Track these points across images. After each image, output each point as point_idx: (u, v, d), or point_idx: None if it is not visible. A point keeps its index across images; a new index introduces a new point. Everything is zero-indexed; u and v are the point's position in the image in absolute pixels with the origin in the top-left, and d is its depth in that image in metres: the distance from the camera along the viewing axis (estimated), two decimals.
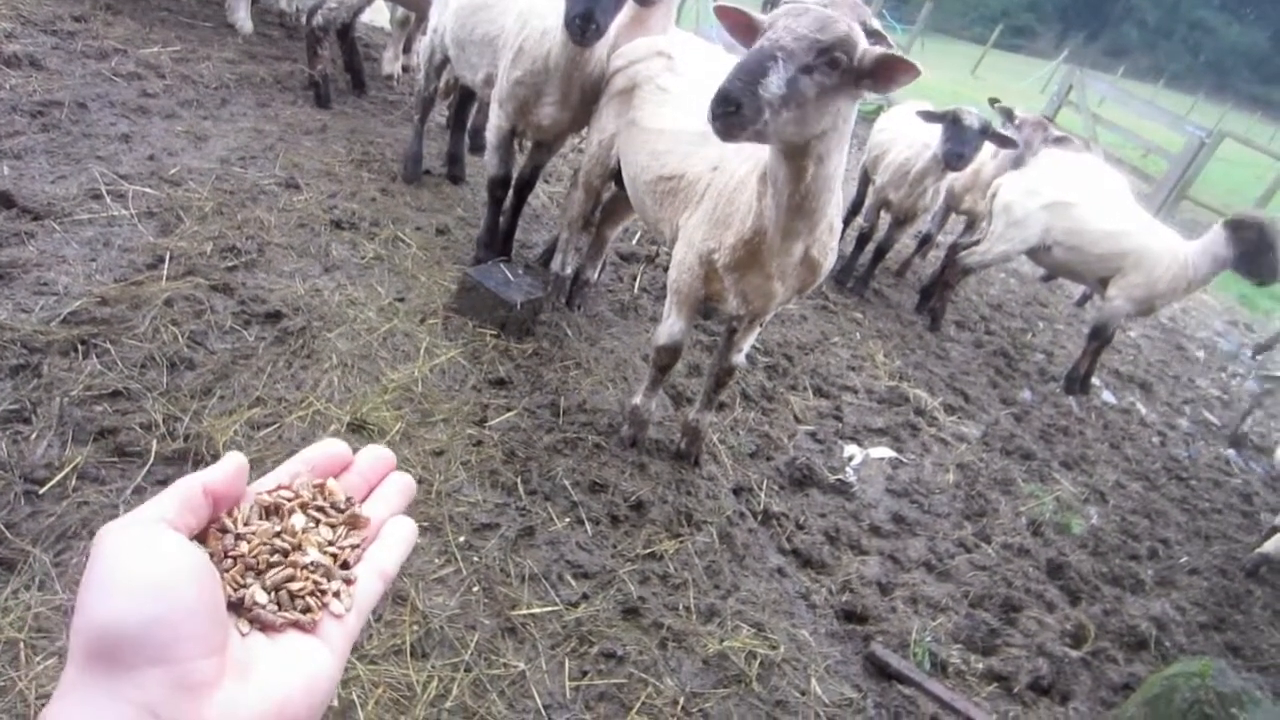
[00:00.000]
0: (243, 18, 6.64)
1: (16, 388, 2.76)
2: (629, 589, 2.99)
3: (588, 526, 3.20)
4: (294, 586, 0.72)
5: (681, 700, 2.68)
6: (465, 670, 2.52)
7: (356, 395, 3.35)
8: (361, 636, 2.48)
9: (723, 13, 2.57)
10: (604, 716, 2.57)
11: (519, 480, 3.27)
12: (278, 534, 0.74)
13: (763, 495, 3.81)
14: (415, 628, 2.58)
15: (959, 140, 5.45)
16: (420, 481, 3.09)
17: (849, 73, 2.35)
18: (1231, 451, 6.73)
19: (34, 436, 2.64)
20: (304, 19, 5.92)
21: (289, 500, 0.78)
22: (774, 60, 2.25)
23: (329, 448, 0.85)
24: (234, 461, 0.74)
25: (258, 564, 0.71)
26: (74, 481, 2.55)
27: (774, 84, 2.24)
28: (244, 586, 0.69)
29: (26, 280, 3.20)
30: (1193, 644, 4.02)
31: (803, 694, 2.89)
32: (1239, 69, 72.24)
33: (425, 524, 2.94)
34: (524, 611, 2.77)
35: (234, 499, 0.74)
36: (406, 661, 2.48)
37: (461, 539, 2.94)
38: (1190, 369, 8.52)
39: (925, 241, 7.80)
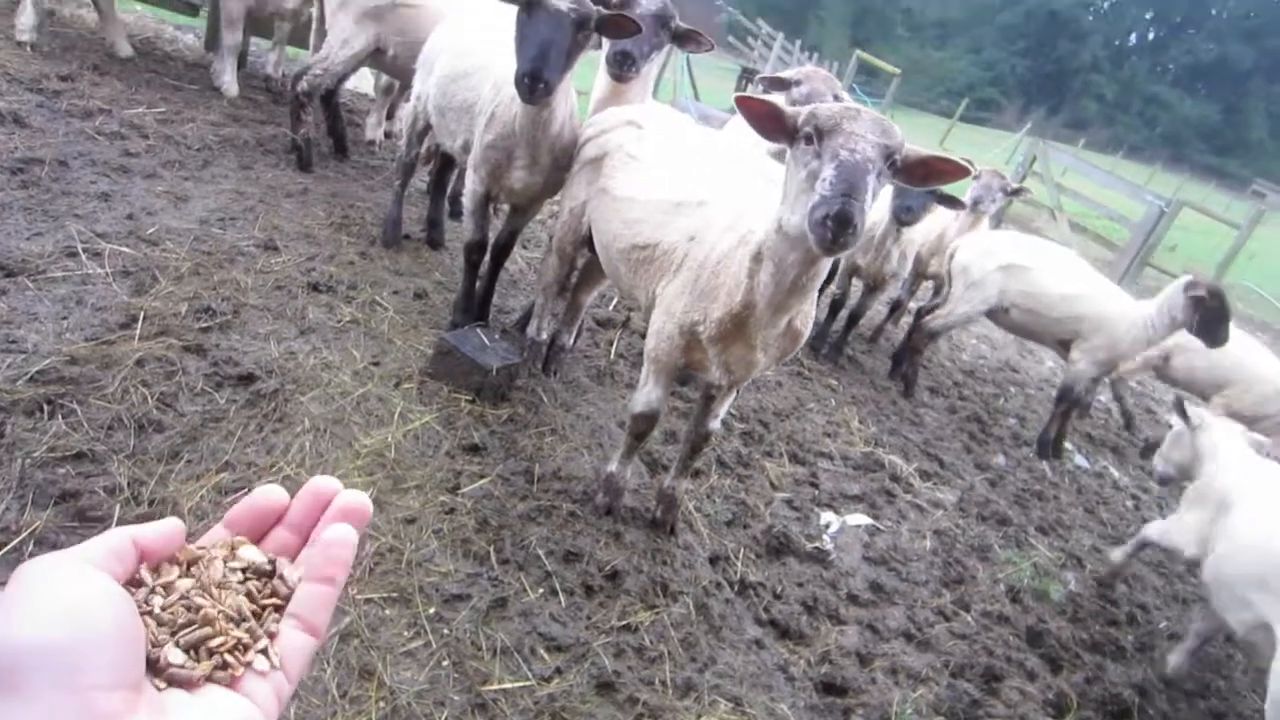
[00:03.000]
0: (228, 81, 6.72)
1: None
2: (603, 662, 2.92)
3: (561, 597, 3.14)
4: (213, 643, 0.71)
5: None
6: None
7: (328, 460, 3.29)
8: (325, 712, 2.39)
9: (745, 104, 2.50)
10: None
11: (492, 549, 3.21)
12: (196, 588, 0.73)
13: (739, 564, 3.77)
14: (382, 704, 2.50)
15: (906, 196, 5.70)
16: (390, 550, 3.03)
17: (892, 169, 2.39)
18: None
19: None
20: (289, 84, 5.98)
21: (207, 555, 0.77)
22: (869, 175, 2.25)
23: (255, 501, 0.83)
24: (171, 523, 0.75)
25: (173, 621, 0.70)
26: (30, 547, 2.48)
27: (870, 199, 2.25)
28: (159, 644, 0.68)
29: None
30: (1176, 711, 3.99)
31: None
32: (1194, 141, 75.36)
33: (394, 595, 2.87)
34: (495, 687, 2.69)
35: (163, 559, 0.74)
36: None
37: (431, 610, 2.87)
38: (1160, 432, 8.59)
39: (896, 307, 7.92)
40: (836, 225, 2.18)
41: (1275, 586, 3.50)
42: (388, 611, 2.80)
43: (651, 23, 3.82)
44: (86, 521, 2.64)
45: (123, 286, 3.77)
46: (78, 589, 0.61)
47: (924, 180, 2.47)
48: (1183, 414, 4.70)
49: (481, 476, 3.57)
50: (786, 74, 4.79)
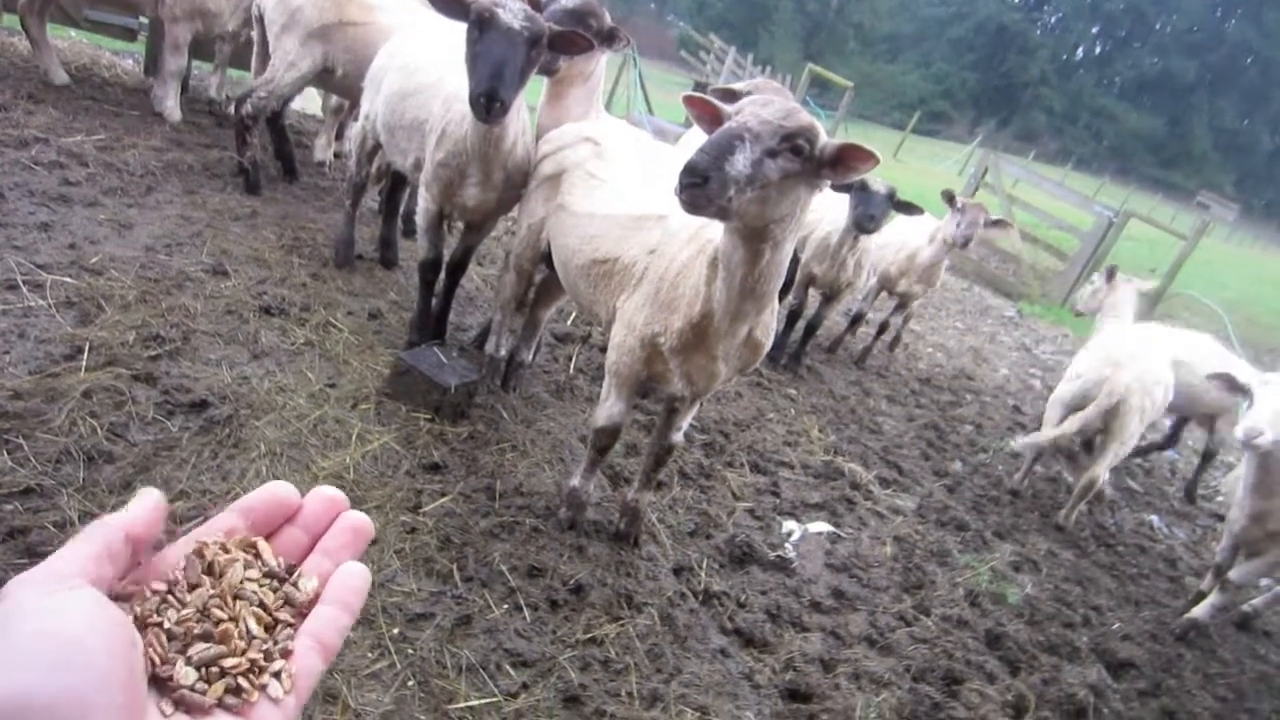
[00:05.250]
0: (171, 106, 6.62)
1: None
2: (570, 676, 2.91)
3: (526, 613, 3.13)
4: (227, 663, 0.66)
5: None
6: None
7: None
8: None
9: (690, 102, 2.66)
10: None
11: (455, 567, 3.20)
12: (214, 597, 0.68)
13: (703, 574, 3.78)
14: None
15: (868, 204, 5.81)
16: None
17: (810, 161, 2.42)
18: (1155, 518, 6.93)
19: None
20: (233, 107, 5.92)
21: (224, 559, 0.71)
22: (740, 140, 2.29)
23: (273, 493, 0.80)
24: (151, 499, 0.69)
25: (185, 634, 0.65)
26: None
27: (740, 162, 2.27)
28: (169, 661, 0.63)
29: None
30: (1130, 710, 4.06)
31: None
32: (1140, 153, 77.35)
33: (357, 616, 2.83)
34: (461, 705, 2.67)
35: (153, 541, 0.69)
36: None
37: (395, 631, 2.84)
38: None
39: (857, 319, 8.02)
40: (681, 173, 2.26)
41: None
42: (351, 634, 2.77)
43: (565, 19, 3.83)
44: (36, 558, 2.56)
45: (67, 317, 3.70)
46: (71, 622, 0.56)
47: (845, 173, 2.49)
48: (1110, 277, 7.20)
49: (443, 495, 3.55)
50: (738, 85, 4.85)
